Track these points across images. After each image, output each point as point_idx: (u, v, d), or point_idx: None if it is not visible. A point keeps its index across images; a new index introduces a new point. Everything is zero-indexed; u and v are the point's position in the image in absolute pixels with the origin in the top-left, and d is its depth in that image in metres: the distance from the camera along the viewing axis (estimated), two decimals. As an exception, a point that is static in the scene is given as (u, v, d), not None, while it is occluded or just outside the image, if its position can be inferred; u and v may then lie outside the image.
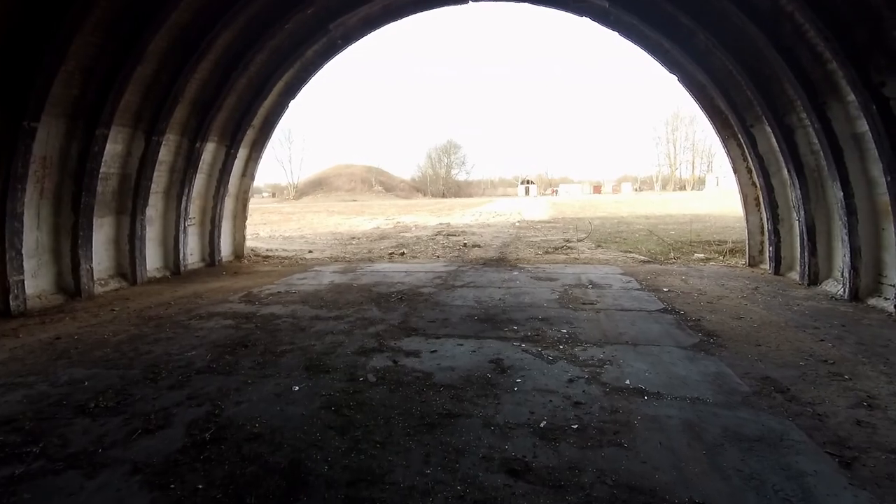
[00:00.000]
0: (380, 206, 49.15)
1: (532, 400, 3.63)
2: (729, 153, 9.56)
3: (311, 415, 3.44)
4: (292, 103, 11.46)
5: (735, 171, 9.73)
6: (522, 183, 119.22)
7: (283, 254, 12.93)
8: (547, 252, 12.24)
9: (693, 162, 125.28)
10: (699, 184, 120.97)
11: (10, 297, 6.43)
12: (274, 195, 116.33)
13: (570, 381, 3.98)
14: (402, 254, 12.33)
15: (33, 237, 7.03)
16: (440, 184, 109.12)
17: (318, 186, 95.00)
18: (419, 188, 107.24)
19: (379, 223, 24.02)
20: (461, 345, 4.95)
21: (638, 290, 7.50)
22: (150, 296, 7.78)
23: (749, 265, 9.59)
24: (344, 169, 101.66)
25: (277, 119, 11.65)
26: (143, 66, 7.72)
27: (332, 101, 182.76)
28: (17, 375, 4.26)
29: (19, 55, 6.13)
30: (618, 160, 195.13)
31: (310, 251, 13.32)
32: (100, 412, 3.51)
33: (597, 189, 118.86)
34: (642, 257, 11.39)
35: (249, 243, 15.77)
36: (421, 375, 4.14)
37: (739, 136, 8.99)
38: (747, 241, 9.73)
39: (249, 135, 11.27)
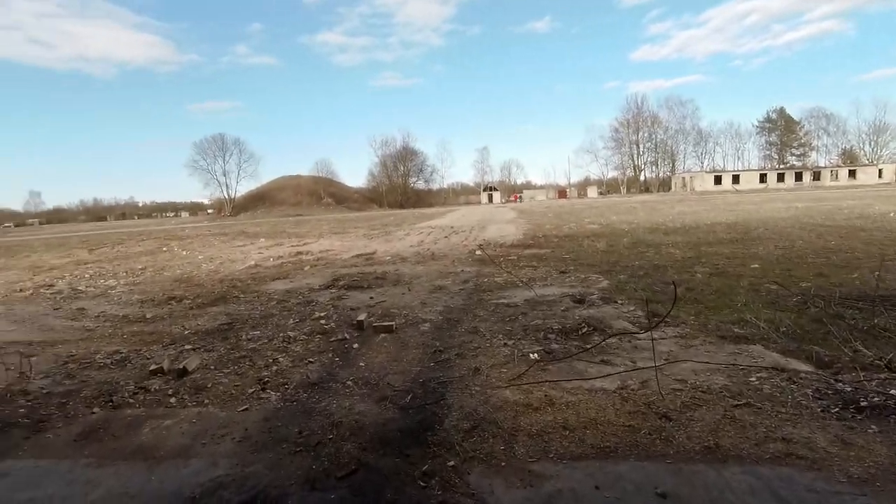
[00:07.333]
0: (316, 222, 40.96)
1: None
2: None
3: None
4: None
5: None
6: (485, 190, 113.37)
7: None
8: (549, 351, 4.75)
9: (658, 163, 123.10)
10: (664, 186, 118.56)
11: None
12: (220, 211, 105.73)
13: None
14: (167, 386, 4.57)
15: None
16: (397, 193, 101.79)
17: (259, 201, 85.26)
18: (375, 199, 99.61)
19: (274, 254, 16.07)
20: None
21: None
22: None
23: None
24: (289, 181, 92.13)
25: None
26: None
27: (280, 107, 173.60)
28: None
29: None
30: (576, 164, 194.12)
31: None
32: None
33: (562, 194, 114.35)
34: (828, 382, 4.10)
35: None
36: None
37: None
38: None
39: None
